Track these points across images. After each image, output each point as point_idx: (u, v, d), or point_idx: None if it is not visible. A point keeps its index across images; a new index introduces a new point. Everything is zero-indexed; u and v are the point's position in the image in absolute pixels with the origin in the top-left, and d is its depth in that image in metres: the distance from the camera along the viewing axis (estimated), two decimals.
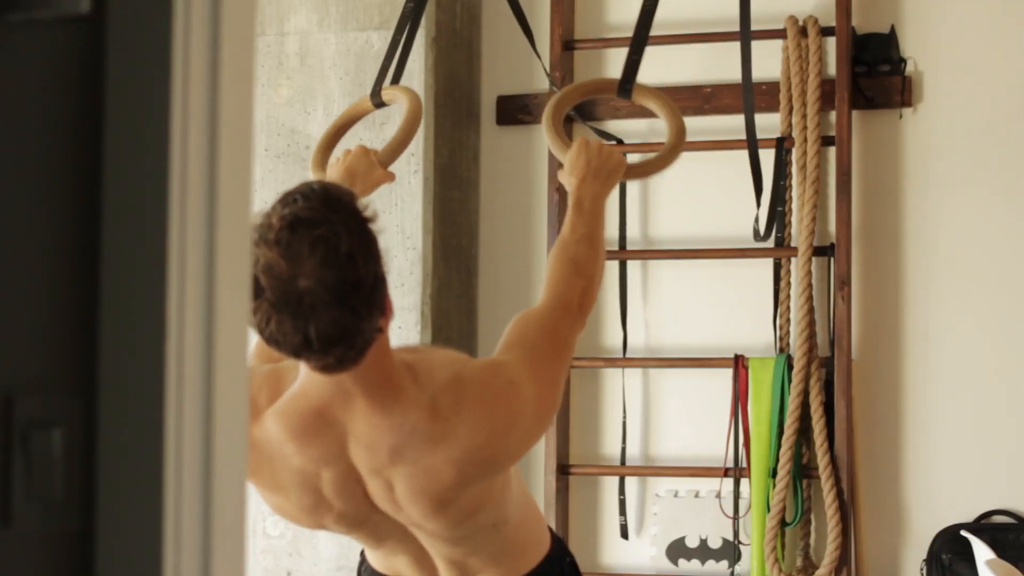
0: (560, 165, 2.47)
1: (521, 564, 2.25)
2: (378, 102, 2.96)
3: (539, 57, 3.95)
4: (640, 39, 2.73)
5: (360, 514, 2.10)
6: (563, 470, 4.28)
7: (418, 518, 2.07)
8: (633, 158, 3.00)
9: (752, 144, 3.41)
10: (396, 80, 3.07)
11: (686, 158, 4.24)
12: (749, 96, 3.30)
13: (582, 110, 4.37)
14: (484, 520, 2.13)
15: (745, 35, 3.26)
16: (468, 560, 2.19)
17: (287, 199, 1.85)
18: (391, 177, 2.70)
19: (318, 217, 1.83)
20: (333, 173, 2.66)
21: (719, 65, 4.26)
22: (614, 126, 4.38)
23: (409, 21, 3.13)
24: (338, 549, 4.20)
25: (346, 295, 1.82)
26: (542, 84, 4.39)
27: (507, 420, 2.03)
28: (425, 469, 2.00)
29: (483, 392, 2.03)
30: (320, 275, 1.80)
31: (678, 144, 2.57)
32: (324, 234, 1.82)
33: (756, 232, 4.02)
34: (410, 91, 2.88)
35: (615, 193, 4.32)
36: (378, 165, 2.65)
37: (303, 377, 2.01)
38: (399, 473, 2.01)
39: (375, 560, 2.30)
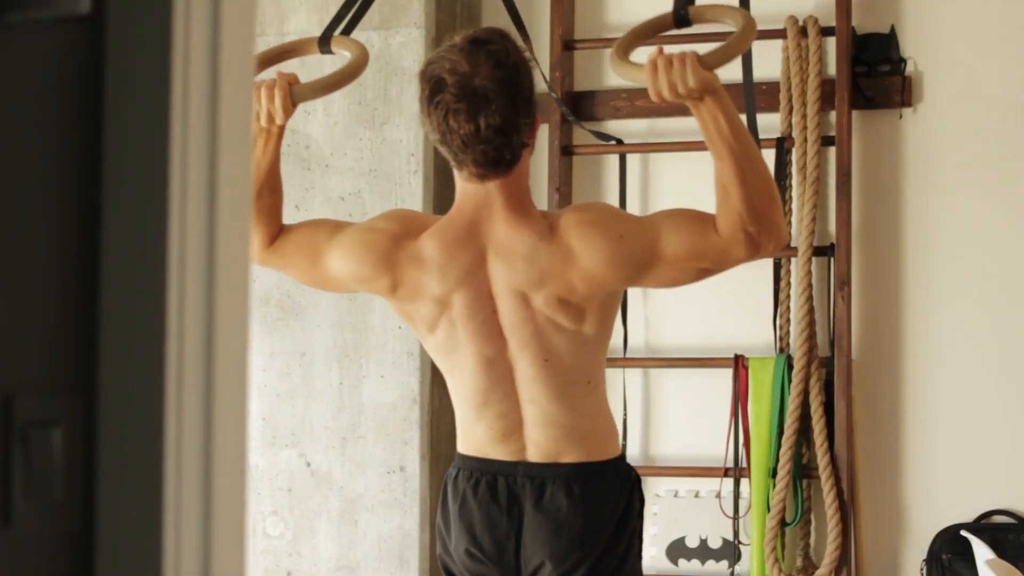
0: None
1: (601, 449, 2.48)
2: (326, 49, 2.83)
3: (535, 60, 3.94)
4: None
5: (482, 339, 2.41)
6: None
7: (540, 339, 2.39)
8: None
9: (753, 138, 3.40)
10: (347, 33, 2.91)
11: (686, 158, 4.26)
12: (750, 96, 3.30)
13: (582, 111, 4.37)
14: (585, 369, 2.43)
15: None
16: (560, 428, 2.44)
17: (468, 31, 2.38)
18: (290, 113, 2.59)
19: (492, 38, 2.35)
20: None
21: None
22: (614, 126, 4.38)
23: None
24: (338, 549, 4.20)
25: (511, 93, 2.31)
26: (541, 84, 4.38)
27: (614, 233, 2.37)
28: (549, 276, 2.36)
29: (591, 213, 2.43)
30: (492, 75, 2.30)
31: (749, 25, 2.45)
32: (496, 48, 2.33)
33: None
34: (362, 47, 2.76)
35: (615, 192, 4.33)
36: (289, 97, 2.55)
37: (459, 197, 2.43)
38: (527, 281, 2.38)
39: (465, 442, 2.51)
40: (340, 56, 2.80)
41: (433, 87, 2.32)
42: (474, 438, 2.50)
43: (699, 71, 2.34)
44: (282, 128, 2.60)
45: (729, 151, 2.33)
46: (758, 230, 2.32)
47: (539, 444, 2.46)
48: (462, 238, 2.41)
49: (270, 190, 2.62)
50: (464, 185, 2.42)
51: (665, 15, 2.61)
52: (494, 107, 2.29)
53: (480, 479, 2.49)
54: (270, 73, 2.64)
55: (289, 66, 2.77)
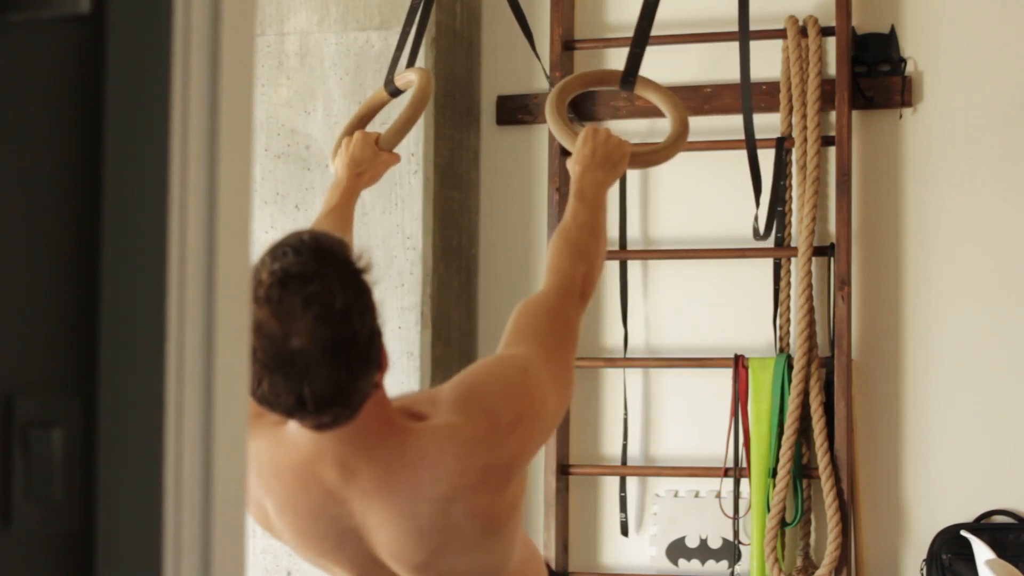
0: (566, 154, 2.47)
1: None
2: (392, 90, 2.96)
3: (538, 58, 3.95)
4: (642, 32, 2.74)
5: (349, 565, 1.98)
6: (563, 470, 4.28)
7: (450, 553, 1.94)
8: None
9: (750, 143, 3.41)
10: (411, 63, 3.08)
11: (686, 158, 4.25)
12: (747, 96, 3.30)
13: (582, 111, 4.37)
14: (490, 571, 2.01)
15: (744, 35, 3.26)
16: None
17: (277, 252, 1.76)
18: (396, 159, 2.72)
19: (310, 272, 1.74)
20: (339, 163, 2.70)
21: (719, 65, 4.26)
22: (614, 126, 4.38)
23: (419, 10, 3.15)
24: None
25: (341, 353, 1.74)
26: (542, 84, 4.39)
27: (534, 405, 1.95)
28: (467, 484, 1.89)
29: (499, 385, 1.95)
30: (314, 334, 1.72)
31: (682, 133, 2.57)
32: (317, 290, 1.73)
33: (756, 231, 4.02)
34: (422, 70, 2.87)
35: (615, 193, 4.33)
36: (380, 150, 2.68)
37: (293, 429, 1.90)
38: (441, 501, 1.89)
39: None
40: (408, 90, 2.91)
41: None
42: None
43: (624, 162, 2.42)
44: (361, 188, 2.67)
45: (600, 213, 2.32)
46: (590, 289, 2.24)
47: None
48: (306, 485, 1.94)
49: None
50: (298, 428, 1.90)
51: (614, 72, 2.73)
52: (321, 375, 1.74)
53: None
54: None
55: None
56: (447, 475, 1.87)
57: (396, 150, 2.73)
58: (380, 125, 3.11)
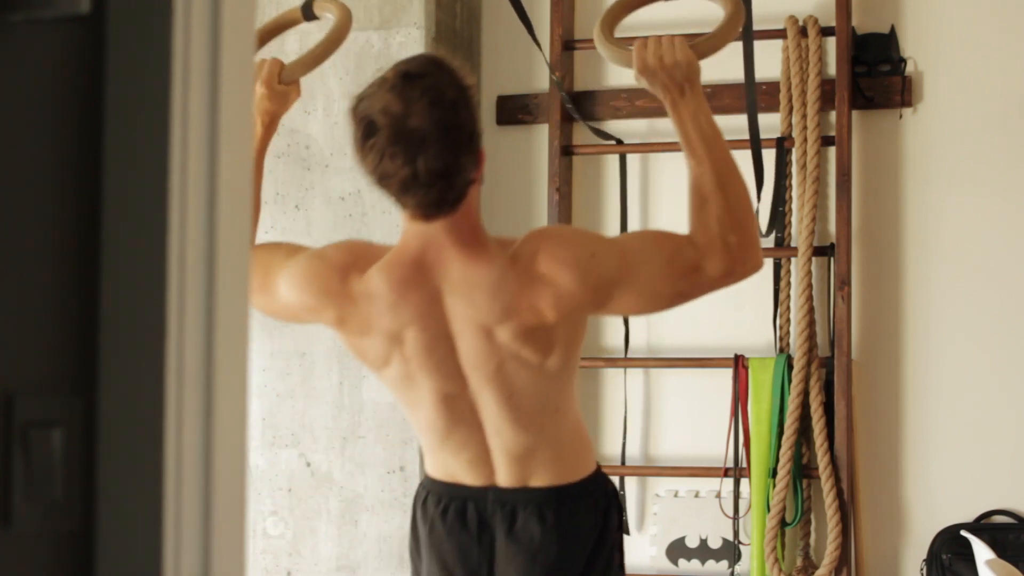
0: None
1: (573, 470, 2.38)
2: (309, 14, 2.76)
3: (539, 46, 3.95)
4: None
5: (440, 377, 2.30)
6: None
7: (504, 375, 2.28)
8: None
9: (754, 136, 3.40)
10: None
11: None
12: (751, 92, 3.30)
13: (582, 111, 4.37)
14: (551, 400, 2.31)
15: (747, 34, 3.26)
16: (529, 455, 2.34)
17: (400, 62, 2.20)
18: (298, 94, 2.60)
19: (426, 71, 2.16)
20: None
21: (719, 65, 4.23)
22: (614, 126, 4.38)
23: None
24: (338, 549, 4.20)
25: (449, 135, 2.13)
26: (542, 84, 4.39)
27: (585, 251, 2.25)
28: (514, 308, 2.24)
29: (557, 234, 2.36)
30: (428, 115, 2.11)
31: (737, 9, 2.40)
32: (432, 84, 2.13)
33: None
34: (343, 7, 2.69)
35: (615, 192, 4.33)
36: (282, 82, 2.55)
37: (405, 233, 2.28)
38: (491, 316, 2.25)
39: (433, 466, 2.42)
40: (325, 20, 2.75)
41: (365, 130, 2.15)
42: (441, 463, 2.40)
43: (687, 49, 2.31)
44: (275, 118, 2.58)
45: (708, 154, 2.27)
46: (739, 240, 2.24)
47: (508, 469, 2.36)
48: (412, 277, 2.27)
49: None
50: (409, 224, 2.27)
51: None
52: (432, 150, 2.12)
53: (449, 505, 2.39)
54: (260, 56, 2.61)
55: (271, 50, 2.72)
56: (509, 294, 2.24)
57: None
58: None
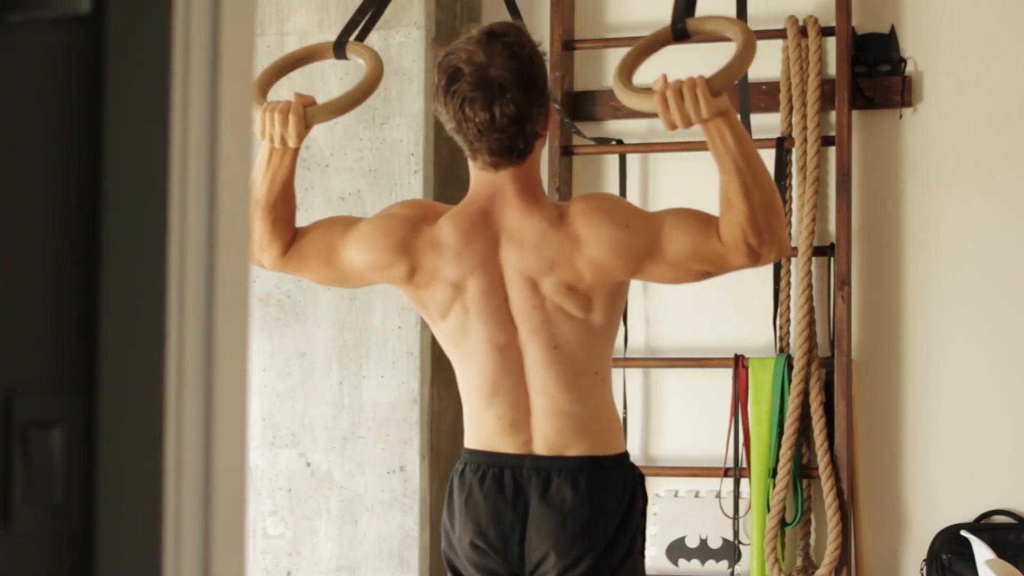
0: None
1: (606, 444, 2.53)
2: (341, 55, 2.78)
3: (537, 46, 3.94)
4: None
5: (493, 326, 2.46)
6: None
7: (550, 327, 2.45)
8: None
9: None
10: (361, 39, 2.86)
11: (685, 158, 4.26)
12: (744, 93, 3.29)
13: (582, 112, 4.37)
14: (593, 359, 2.48)
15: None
16: (567, 420, 2.48)
17: (483, 26, 2.47)
18: (303, 136, 2.61)
19: (507, 31, 2.44)
20: (275, 127, 2.58)
21: (719, 65, 4.25)
22: (614, 126, 4.38)
23: None
24: (338, 549, 4.20)
25: (526, 83, 2.37)
26: None
27: (620, 223, 2.43)
28: (557, 262, 2.43)
29: (600, 201, 2.53)
30: (508, 65, 2.37)
31: (748, 42, 2.46)
32: (511, 40, 2.41)
33: None
34: (376, 57, 2.73)
35: (615, 191, 4.33)
36: (303, 120, 2.56)
37: (473, 184, 2.50)
38: (537, 267, 2.44)
39: (473, 436, 2.55)
40: (354, 63, 2.77)
41: (450, 76, 2.39)
42: (482, 431, 2.53)
43: (710, 100, 2.40)
44: (297, 148, 2.61)
45: (735, 166, 2.39)
46: (759, 243, 2.38)
47: (546, 436, 2.49)
48: (477, 224, 2.47)
49: (285, 202, 2.60)
50: (478, 174, 2.48)
51: (663, 30, 2.59)
52: (509, 96, 2.35)
53: (487, 472, 2.52)
54: (282, 87, 2.62)
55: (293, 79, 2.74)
56: (553, 248, 2.43)
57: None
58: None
